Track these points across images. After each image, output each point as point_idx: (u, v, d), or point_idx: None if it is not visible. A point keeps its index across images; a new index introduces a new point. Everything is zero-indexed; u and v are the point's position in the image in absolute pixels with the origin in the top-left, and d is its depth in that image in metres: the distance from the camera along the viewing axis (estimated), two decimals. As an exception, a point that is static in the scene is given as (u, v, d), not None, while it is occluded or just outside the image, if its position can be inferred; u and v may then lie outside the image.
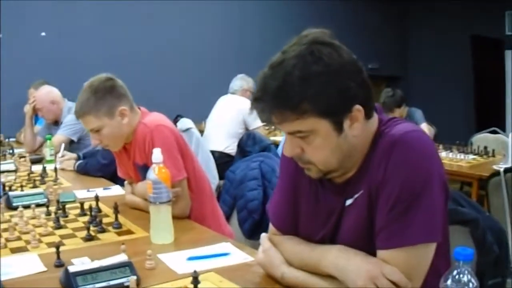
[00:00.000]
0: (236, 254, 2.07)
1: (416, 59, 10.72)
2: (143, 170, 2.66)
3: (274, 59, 1.51)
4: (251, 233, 3.07)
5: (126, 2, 7.44)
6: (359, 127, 1.53)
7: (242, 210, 3.13)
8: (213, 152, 5.16)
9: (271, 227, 1.86)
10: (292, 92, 1.44)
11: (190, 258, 2.04)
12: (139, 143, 2.71)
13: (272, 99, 1.48)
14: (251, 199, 3.08)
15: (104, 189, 3.42)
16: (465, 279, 1.17)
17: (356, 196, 1.59)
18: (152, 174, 2.26)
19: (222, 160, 5.32)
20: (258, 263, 1.81)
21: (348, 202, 1.61)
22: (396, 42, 10.78)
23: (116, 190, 3.37)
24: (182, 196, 2.66)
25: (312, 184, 1.71)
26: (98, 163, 3.92)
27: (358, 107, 1.50)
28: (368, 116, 1.56)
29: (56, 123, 5.10)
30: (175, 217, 2.53)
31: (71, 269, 1.80)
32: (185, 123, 4.96)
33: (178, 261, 2.02)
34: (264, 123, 1.71)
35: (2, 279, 1.88)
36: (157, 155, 2.29)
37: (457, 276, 1.18)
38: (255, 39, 8.38)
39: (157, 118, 2.79)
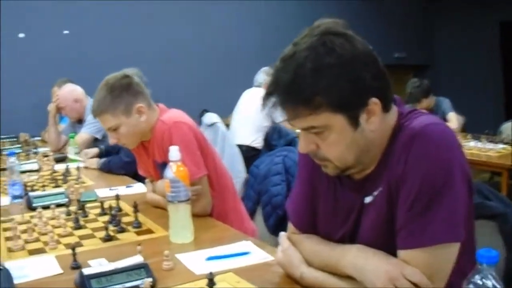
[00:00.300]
0: (256, 253, 2.03)
1: (443, 47, 10.52)
2: (162, 167, 2.63)
3: (285, 52, 1.46)
4: (276, 228, 3.02)
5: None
6: (377, 121, 1.46)
7: (266, 205, 3.09)
8: (239, 146, 5.14)
9: (290, 225, 1.81)
10: (304, 85, 1.38)
11: (209, 258, 2.01)
12: (158, 141, 2.67)
13: (284, 93, 1.42)
14: (275, 194, 3.03)
15: (127, 187, 3.41)
16: (489, 284, 1.07)
17: (375, 193, 1.52)
18: (170, 172, 2.22)
19: (249, 154, 5.28)
20: (277, 263, 1.76)
21: (367, 199, 1.55)
22: (423, 30, 10.60)
23: (138, 188, 3.35)
24: (203, 193, 2.62)
25: (330, 181, 1.65)
26: (121, 161, 3.90)
27: (374, 100, 1.43)
28: (386, 109, 1.49)
29: (80, 121, 5.09)
30: (196, 215, 2.52)
31: (86, 271, 1.78)
32: (211, 117, 4.94)
33: (196, 261, 1.99)
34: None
35: (17, 282, 1.86)
36: (174, 153, 2.25)
37: (480, 281, 1.08)
38: (278, 32, 8.28)
39: (175, 114, 2.76)
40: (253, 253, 2.03)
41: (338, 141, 1.45)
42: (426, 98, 5.99)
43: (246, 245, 2.12)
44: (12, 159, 3.15)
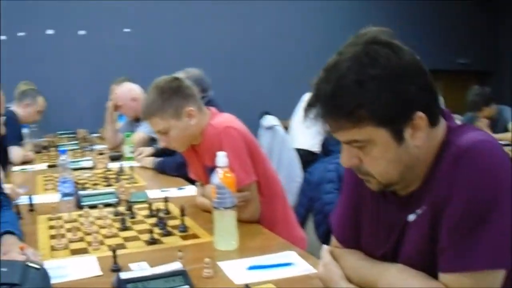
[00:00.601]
0: (299, 265, 1.99)
1: (508, 53, 10.15)
2: (212, 172, 2.61)
3: (329, 61, 1.41)
4: (326, 237, 2.94)
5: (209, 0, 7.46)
6: (422, 136, 1.38)
7: (318, 213, 3.05)
8: (297, 150, 5.09)
9: (333, 239, 1.76)
10: (346, 97, 1.33)
11: (251, 268, 1.98)
12: (208, 145, 2.66)
13: (325, 106, 1.37)
14: (327, 202, 2.98)
15: (178, 189, 3.42)
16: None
17: (419, 211, 1.45)
18: (216, 178, 2.21)
19: (307, 159, 5.21)
20: (318, 277, 1.71)
21: (411, 217, 1.48)
22: (487, 35, 10.27)
23: (190, 190, 3.35)
24: (251, 200, 2.60)
25: (374, 196, 1.59)
26: (175, 162, 3.89)
27: (420, 114, 1.35)
28: (433, 123, 1.41)
29: (138, 120, 5.14)
30: (244, 222, 2.51)
31: (123, 275, 1.79)
32: (270, 120, 4.92)
33: (237, 270, 1.97)
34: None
35: (55, 282, 1.87)
36: (221, 159, 2.23)
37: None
38: (341, 34, 8.20)
39: (226, 119, 2.74)
40: (296, 264, 1.99)
41: (381, 156, 1.39)
42: (487, 107, 5.81)
43: (290, 255, 2.08)
44: (64, 156, 3.20)
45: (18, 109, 5.06)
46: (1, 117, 2.37)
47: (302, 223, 3.10)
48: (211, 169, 2.62)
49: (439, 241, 1.37)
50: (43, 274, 1.77)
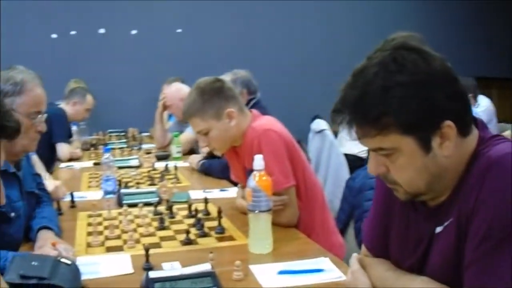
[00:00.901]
0: (330, 272, 1.99)
1: None
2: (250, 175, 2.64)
3: (357, 66, 1.41)
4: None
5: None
6: (451, 146, 1.36)
7: (358, 220, 3.02)
8: (346, 156, 5.06)
9: (363, 247, 1.76)
10: (372, 104, 1.32)
11: (281, 272, 2.00)
12: (248, 147, 2.68)
13: (351, 112, 1.37)
14: (367, 209, 2.94)
15: (221, 190, 3.44)
16: None
17: (446, 223, 1.43)
18: (252, 181, 2.22)
19: (355, 164, 5.17)
20: (346, 284, 1.71)
21: (438, 229, 1.46)
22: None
23: (232, 192, 3.36)
24: (289, 204, 2.60)
25: (404, 206, 1.58)
26: (221, 165, 3.90)
27: (448, 123, 1.33)
28: (463, 133, 1.39)
29: (186, 120, 5.20)
30: (281, 226, 2.53)
31: (152, 274, 1.83)
32: (319, 124, 4.91)
33: (268, 274, 1.99)
34: None
35: (86, 278, 1.93)
36: (258, 162, 2.25)
37: None
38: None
39: (267, 122, 2.76)
40: (327, 271, 1.99)
41: (407, 165, 1.38)
42: None
43: (322, 262, 2.09)
44: (107, 154, 3.28)
45: (66, 107, 5.18)
46: (44, 115, 2.45)
47: (343, 230, 3.08)
48: (251, 171, 2.65)
49: (465, 255, 1.35)
50: (74, 270, 1.83)
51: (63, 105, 5.21)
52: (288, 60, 7.59)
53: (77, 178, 3.93)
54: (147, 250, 2.05)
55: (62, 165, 4.47)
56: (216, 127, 2.68)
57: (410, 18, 8.03)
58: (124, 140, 5.74)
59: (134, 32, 7.16)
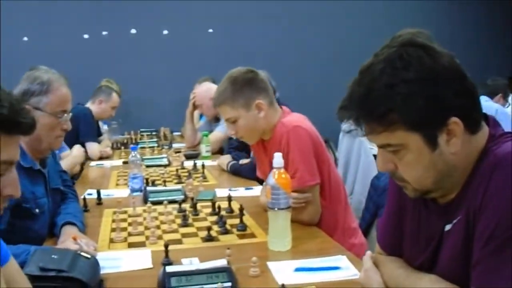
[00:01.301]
0: (347, 270, 2.01)
1: None
2: None
3: (364, 63, 1.42)
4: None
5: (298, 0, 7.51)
6: (458, 143, 1.37)
7: (381, 219, 3.03)
8: (375, 156, 5.05)
9: (377, 245, 1.79)
10: (377, 100, 1.34)
11: (298, 269, 2.03)
12: (276, 142, 2.72)
13: (357, 108, 1.39)
14: (392, 209, 2.96)
15: (246, 189, 3.49)
16: None
17: (455, 221, 1.44)
18: (272, 179, 2.26)
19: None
20: (359, 282, 1.73)
21: (448, 227, 1.47)
22: None
23: (257, 191, 3.38)
24: (312, 202, 2.64)
25: (416, 204, 1.59)
26: (249, 166, 3.91)
27: (455, 119, 1.34)
28: (471, 130, 1.39)
29: (217, 119, 5.26)
30: (303, 223, 2.58)
31: (169, 269, 1.87)
32: (350, 124, 4.90)
33: (284, 271, 2.02)
34: None
35: (106, 271, 1.99)
36: (278, 160, 2.29)
37: None
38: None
39: (297, 119, 2.79)
40: (343, 269, 2.02)
41: (415, 162, 1.39)
42: None
43: (339, 259, 2.11)
44: (134, 153, 3.35)
45: (92, 106, 5.25)
46: (69, 114, 2.52)
47: (368, 229, 3.10)
48: None
49: (472, 254, 1.36)
50: (93, 263, 1.89)
51: (89, 104, 5.30)
52: (318, 60, 7.56)
53: (106, 176, 4.02)
54: (166, 246, 2.10)
55: (92, 163, 4.57)
56: (244, 117, 2.73)
57: (445, 18, 7.96)
58: (155, 140, 5.82)
59: (165, 32, 7.24)
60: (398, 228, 1.68)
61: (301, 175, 2.58)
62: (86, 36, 7.10)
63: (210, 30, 7.36)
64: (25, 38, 6.99)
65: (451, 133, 1.36)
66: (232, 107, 2.73)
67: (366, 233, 3.12)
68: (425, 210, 1.57)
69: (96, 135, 5.22)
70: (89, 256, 1.90)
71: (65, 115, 2.49)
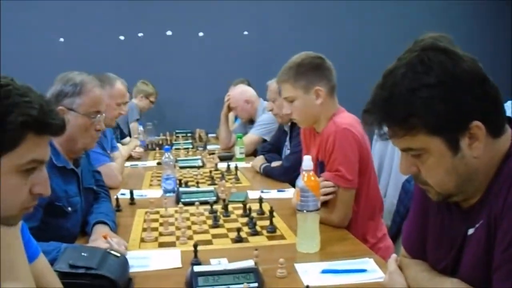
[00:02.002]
0: (373, 272, 2.03)
1: None
2: (320, 167, 2.73)
3: (388, 67, 1.44)
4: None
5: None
6: (480, 147, 1.37)
7: (411, 223, 3.01)
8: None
9: (402, 248, 1.80)
10: (399, 105, 1.36)
11: (324, 271, 2.04)
12: (324, 139, 2.75)
13: (380, 112, 1.41)
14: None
15: (278, 191, 3.51)
16: None
17: (477, 225, 1.44)
18: (301, 181, 2.28)
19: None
20: (384, 285, 1.74)
21: (470, 231, 1.47)
22: None
23: (289, 193, 3.40)
24: (344, 205, 2.64)
25: (439, 208, 1.60)
26: (282, 168, 3.93)
27: (477, 123, 1.35)
28: (493, 134, 1.39)
29: (251, 121, 5.30)
30: (332, 225, 2.61)
31: (196, 268, 1.90)
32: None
33: (311, 273, 2.04)
34: None
35: (135, 270, 2.03)
36: (307, 162, 2.31)
37: None
38: (472, 41, 7.86)
39: (349, 121, 2.77)
40: (369, 271, 2.03)
41: (437, 165, 1.40)
42: None
43: (366, 262, 2.12)
44: (167, 154, 3.40)
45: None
46: (103, 114, 2.58)
47: (398, 232, 3.09)
48: (321, 164, 2.71)
49: (494, 258, 1.37)
50: (122, 262, 1.93)
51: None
52: (352, 64, 7.52)
53: (139, 177, 4.06)
54: (195, 246, 2.13)
55: (127, 163, 4.61)
56: (302, 98, 2.79)
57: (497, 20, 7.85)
58: (190, 141, 5.88)
59: (200, 34, 7.30)
60: (422, 231, 1.69)
61: (340, 175, 2.62)
62: (122, 37, 7.21)
63: (245, 33, 7.39)
64: (61, 39, 7.12)
65: (473, 137, 1.36)
66: (293, 86, 2.79)
67: (396, 236, 3.10)
68: (448, 214, 1.57)
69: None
70: (118, 254, 1.94)
71: (98, 115, 2.55)
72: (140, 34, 7.21)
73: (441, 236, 1.59)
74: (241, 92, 5.28)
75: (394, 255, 1.77)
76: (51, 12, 6.91)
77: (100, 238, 2.23)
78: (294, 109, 2.83)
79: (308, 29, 7.45)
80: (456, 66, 1.36)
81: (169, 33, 7.26)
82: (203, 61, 7.23)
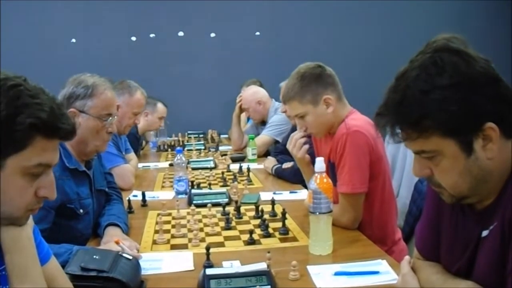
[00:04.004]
0: (386, 274, 2.02)
1: None
2: (332, 168, 2.72)
3: (400, 69, 1.44)
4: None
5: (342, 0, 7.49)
6: (494, 149, 1.36)
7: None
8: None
9: (415, 250, 1.79)
10: (412, 107, 1.36)
11: (337, 273, 2.04)
12: (335, 141, 2.73)
13: (392, 115, 1.41)
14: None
15: (290, 192, 3.51)
16: None
17: (491, 227, 1.43)
18: (313, 183, 2.27)
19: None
20: (397, 287, 1.74)
21: (484, 233, 1.46)
22: None
23: (301, 194, 3.40)
24: (354, 208, 2.63)
25: (453, 210, 1.59)
26: (293, 170, 3.92)
27: (491, 124, 1.34)
28: (508, 135, 1.39)
29: (263, 123, 5.29)
30: (342, 227, 2.59)
31: (209, 271, 1.90)
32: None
33: (324, 275, 2.03)
34: None
35: (147, 273, 2.05)
36: (319, 164, 2.30)
37: None
38: (495, 43, 7.76)
39: (361, 122, 2.74)
40: (382, 273, 2.02)
41: (450, 167, 1.40)
42: None
43: (379, 264, 2.12)
44: (179, 156, 3.41)
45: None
46: (115, 117, 2.60)
47: (411, 233, 3.07)
48: (332, 166, 2.70)
49: (508, 262, 1.36)
50: (134, 265, 1.93)
51: None
52: (365, 64, 7.51)
53: (152, 178, 4.07)
54: (207, 249, 2.13)
55: (139, 165, 4.61)
56: (312, 112, 2.76)
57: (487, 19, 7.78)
58: (202, 142, 5.88)
59: (212, 35, 7.28)
60: (436, 233, 1.68)
61: (352, 180, 2.60)
62: (133, 38, 7.20)
63: (257, 33, 7.37)
64: (73, 40, 7.12)
65: (487, 138, 1.36)
66: (300, 103, 2.77)
67: (409, 237, 3.09)
68: (462, 216, 1.56)
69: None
70: (130, 257, 1.94)
71: (110, 118, 2.55)
72: (152, 35, 7.20)
73: (454, 238, 1.59)
74: (253, 93, 5.28)
75: (407, 257, 1.77)
76: (63, 13, 6.92)
77: (112, 240, 2.23)
78: (308, 124, 2.81)
79: (321, 29, 7.41)
80: (469, 67, 1.35)
81: (180, 34, 7.24)
82: (215, 62, 7.23)
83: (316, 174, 2.29)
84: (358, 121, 2.75)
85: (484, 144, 1.36)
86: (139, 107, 4.05)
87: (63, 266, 1.70)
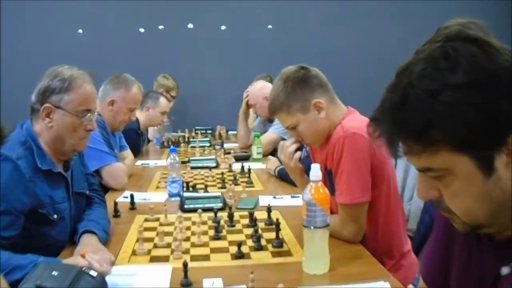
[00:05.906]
0: (386, 299, 1.80)
1: None
2: (329, 176, 2.47)
3: (402, 63, 1.15)
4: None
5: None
6: None
7: (436, 233, 2.79)
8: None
9: (421, 279, 1.57)
10: (415, 111, 1.07)
11: (332, 297, 1.81)
12: (332, 145, 2.45)
13: (390, 122, 1.12)
14: (448, 222, 2.72)
15: (292, 197, 3.27)
16: None
17: None
18: (307, 193, 2.02)
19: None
20: None
21: (505, 270, 1.20)
22: None
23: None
24: (357, 219, 2.39)
25: (466, 239, 1.34)
26: None
27: None
28: None
29: (271, 120, 5.09)
30: (344, 240, 2.37)
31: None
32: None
33: (316, 299, 1.81)
34: None
35: (118, 290, 1.83)
36: (315, 172, 2.04)
37: None
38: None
39: (358, 124, 2.43)
40: (382, 297, 1.81)
41: (464, 191, 1.12)
42: None
43: (382, 286, 1.91)
44: (173, 155, 3.20)
45: (140, 114, 4.96)
46: (94, 113, 2.39)
47: (422, 241, 2.86)
48: (329, 172, 2.47)
49: None
50: (98, 282, 1.73)
51: (137, 112, 5.12)
52: (380, 61, 7.29)
53: (149, 178, 3.88)
54: (185, 265, 1.93)
55: (138, 162, 4.43)
56: (303, 121, 2.50)
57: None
58: (208, 139, 5.71)
59: (223, 27, 7.14)
60: (445, 263, 1.43)
61: (352, 189, 2.34)
62: (142, 30, 7.10)
63: (270, 26, 7.22)
64: (80, 31, 7.02)
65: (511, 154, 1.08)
66: (288, 114, 2.50)
67: (419, 247, 2.89)
68: (476, 246, 1.30)
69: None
70: (95, 274, 1.74)
71: (89, 114, 2.34)
72: (160, 27, 7.07)
73: (467, 271, 1.33)
74: (260, 88, 5.07)
75: (410, 286, 1.56)
76: (70, 3, 6.82)
77: (85, 250, 2.03)
78: (301, 134, 2.53)
79: (334, 23, 7.27)
80: (491, 61, 1.06)
81: (190, 26, 7.11)
82: (225, 55, 7.07)
83: (311, 183, 2.03)
84: (356, 122, 2.45)
85: (508, 161, 1.08)
86: (135, 103, 3.87)
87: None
